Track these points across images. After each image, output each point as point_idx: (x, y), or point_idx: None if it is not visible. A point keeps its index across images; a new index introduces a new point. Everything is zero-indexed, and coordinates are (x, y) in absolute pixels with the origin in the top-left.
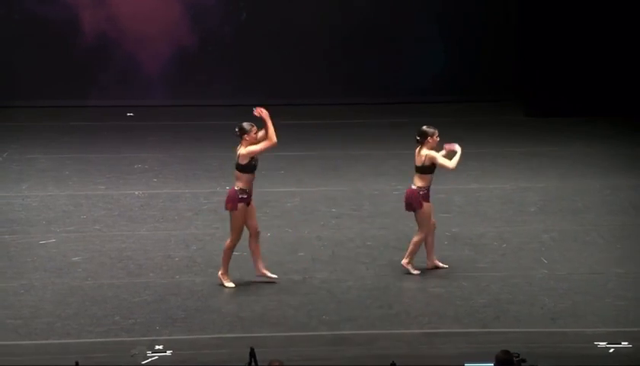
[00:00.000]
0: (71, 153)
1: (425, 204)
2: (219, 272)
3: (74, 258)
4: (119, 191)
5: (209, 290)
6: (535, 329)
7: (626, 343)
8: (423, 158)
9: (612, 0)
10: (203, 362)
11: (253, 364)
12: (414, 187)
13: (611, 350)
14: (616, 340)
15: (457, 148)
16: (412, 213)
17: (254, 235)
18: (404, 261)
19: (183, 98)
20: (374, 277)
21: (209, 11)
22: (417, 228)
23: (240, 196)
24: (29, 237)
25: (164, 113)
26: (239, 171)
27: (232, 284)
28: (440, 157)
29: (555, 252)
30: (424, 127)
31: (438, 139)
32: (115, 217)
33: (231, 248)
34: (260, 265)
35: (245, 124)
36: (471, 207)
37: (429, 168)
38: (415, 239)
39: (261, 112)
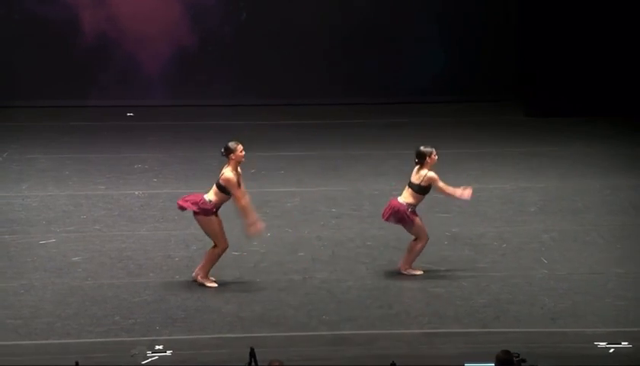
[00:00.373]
0: (71, 153)
1: (416, 218)
2: (199, 276)
3: (74, 258)
4: (119, 191)
5: (209, 290)
6: (535, 329)
7: (626, 343)
8: (422, 177)
9: (612, 0)
10: (203, 362)
11: (253, 364)
12: (401, 200)
13: (611, 350)
14: (616, 340)
15: (467, 196)
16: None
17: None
18: (404, 269)
19: (183, 98)
20: (374, 277)
21: (209, 11)
22: (420, 237)
23: (212, 208)
24: (29, 237)
25: (164, 113)
26: (218, 189)
27: (214, 284)
28: (440, 181)
29: (555, 252)
30: (422, 148)
31: (437, 157)
32: (115, 217)
33: (219, 254)
34: (200, 271)
35: (231, 144)
36: (471, 207)
37: (425, 189)
38: (417, 247)
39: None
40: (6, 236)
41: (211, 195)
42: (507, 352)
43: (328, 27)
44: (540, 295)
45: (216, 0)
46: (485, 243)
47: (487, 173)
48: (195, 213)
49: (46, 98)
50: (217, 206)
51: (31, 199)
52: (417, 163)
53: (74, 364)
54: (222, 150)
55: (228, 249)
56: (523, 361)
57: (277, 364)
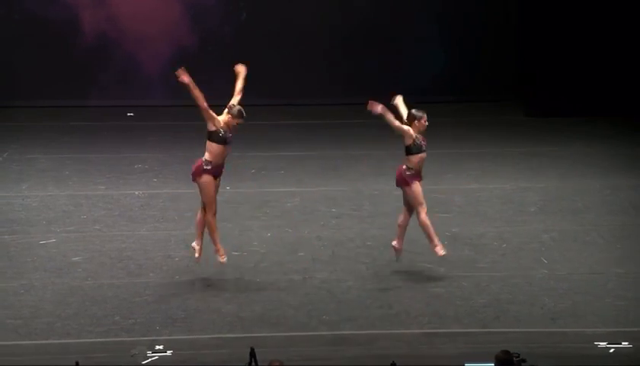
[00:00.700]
0: (71, 153)
1: (414, 183)
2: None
3: (74, 258)
4: (119, 191)
5: (209, 290)
6: (535, 329)
7: (626, 343)
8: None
9: (612, 0)
10: (203, 362)
11: (253, 364)
12: (403, 165)
13: (611, 350)
14: (616, 340)
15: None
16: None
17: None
18: (434, 248)
19: (183, 98)
20: (374, 277)
21: (209, 11)
22: (417, 209)
23: (205, 167)
24: (29, 237)
25: (164, 113)
26: (207, 139)
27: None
28: (407, 127)
29: (555, 252)
30: (413, 111)
31: (427, 123)
32: (115, 217)
33: (211, 222)
34: (214, 245)
35: (236, 109)
36: (471, 207)
37: (409, 148)
38: (421, 219)
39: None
40: (6, 236)
41: (205, 154)
42: (507, 352)
43: (328, 27)
44: (540, 295)
45: (215, 0)
46: (485, 243)
47: (487, 173)
48: (192, 178)
49: (46, 98)
50: (214, 162)
51: (31, 199)
52: (406, 125)
53: (74, 364)
54: (229, 106)
55: (228, 249)
56: (523, 361)
57: (277, 364)
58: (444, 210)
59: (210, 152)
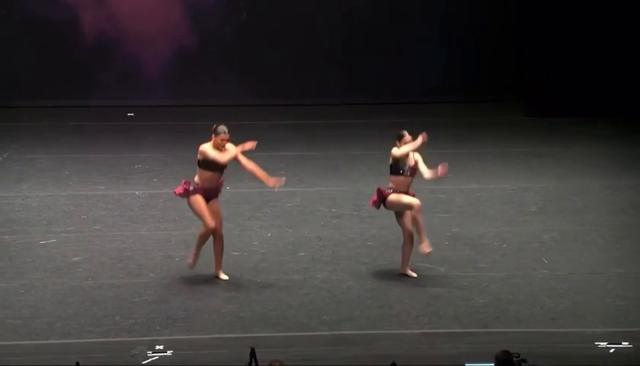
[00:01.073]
0: (71, 153)
1: (390, 195)
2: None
3: (74, 258)
4: (119, 191)
5: (209, 290)
6: (535, 329)
7: (626, 343)
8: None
9: (612, 0)
10: (203, 362)
11: (253, 364)
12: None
13: (611, 350)
14: (616, 340)
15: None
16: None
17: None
18: (419, 244)
19: (183, 98)
20: (374, 277)
21: (209, 11)
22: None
23: (191, 187)
24: (29, 237)
25: (164, 113)
26: (198, 166)
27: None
28: (394, 149)
29: (555, 252)
30: (403, 131)
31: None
32: (115, 217)
33: (203, 235)
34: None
35: (220, 127)
36: (471, 207)
37: (392, 168)
38: (418, 220)
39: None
40: (6, 236)
41: (195, 177)
42: (507, 352)
43: (328, 27)
44: (540, 295)
45: (215, 0)
46: (485, 243)
47: (487, 173)
48: (181, 195)
49: (47, 98)
50: (201, 185)
51: (31, 199)
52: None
53: (74, 364)
54: (213, 127)
55: (228, 249)
56: (523, 361)
57: (277, 364)
58: (444, 210)
59: (199, 174)
